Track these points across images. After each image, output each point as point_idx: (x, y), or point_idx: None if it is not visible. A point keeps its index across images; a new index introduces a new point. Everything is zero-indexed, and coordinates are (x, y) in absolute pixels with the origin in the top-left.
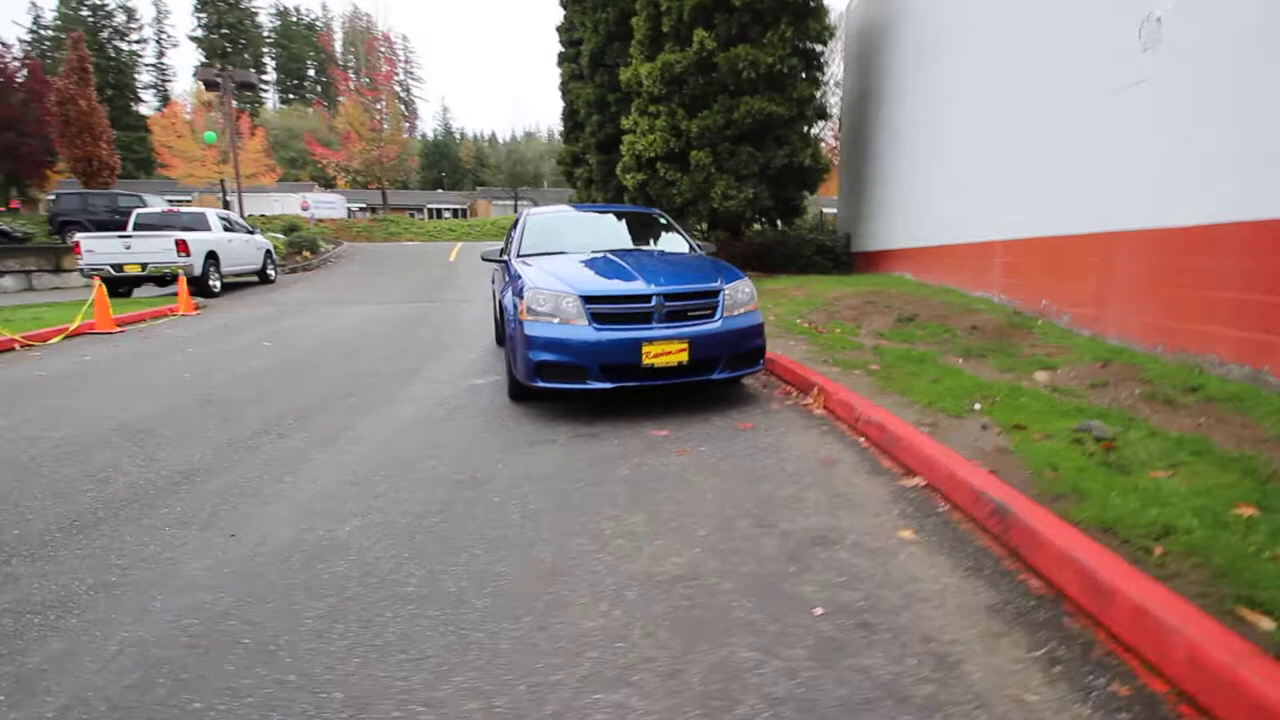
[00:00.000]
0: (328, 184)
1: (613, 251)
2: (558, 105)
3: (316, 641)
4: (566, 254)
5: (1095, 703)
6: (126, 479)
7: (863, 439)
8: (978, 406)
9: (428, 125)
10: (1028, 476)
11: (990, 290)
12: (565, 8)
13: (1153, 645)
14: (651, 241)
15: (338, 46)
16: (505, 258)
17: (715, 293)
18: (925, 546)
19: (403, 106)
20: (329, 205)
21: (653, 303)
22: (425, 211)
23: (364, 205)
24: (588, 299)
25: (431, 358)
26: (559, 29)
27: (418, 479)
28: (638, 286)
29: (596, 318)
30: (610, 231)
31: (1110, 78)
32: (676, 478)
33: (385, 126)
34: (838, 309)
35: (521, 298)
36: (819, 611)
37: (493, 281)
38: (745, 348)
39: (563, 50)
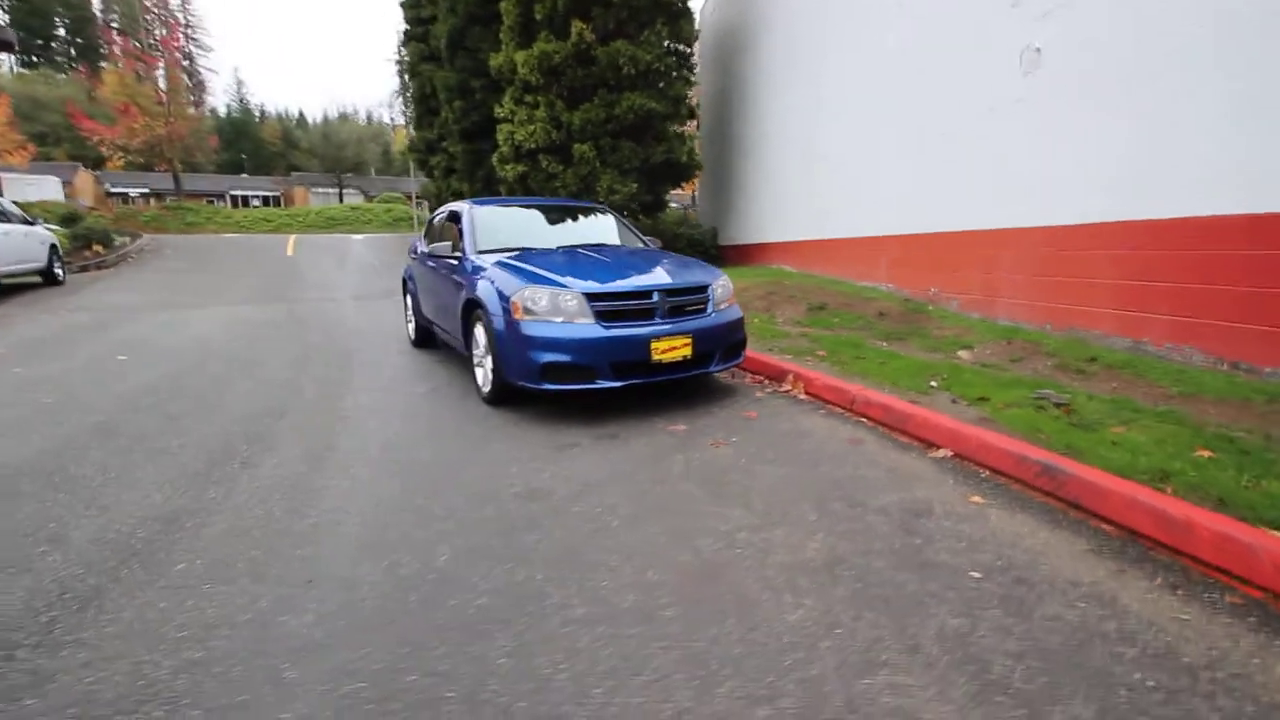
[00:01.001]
0: (97, 164)
1: (581, 247)
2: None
3: (531, 681)
4: (533, 250)
5: (1228, 612)
6: (86, 534)
7: (864, 419)
8: (934, 384)
9: (218, 100)
10: (1023, 439)
11: (877, 280)
12: None
13: (1239, 562)
14: (605, 236)
15: (95, 1)
16: (459, 254)
17: (706, 287)
18: (1000, 508)
19: (186, 77)
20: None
21: (655, 299)
22: (227, 199)
23: (146, 190)
24: (592, 296)
25: (345, 365)
26: (404, 4)
27: (470, 496)
28: (638, 282)
29: (602, 315)
30: (563, 225)
31: (991, 96)
32: (735, 469)
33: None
34: (746, 299)
35: (512, 296)
36: (977, 575)
37: (408, 280)
38: (733, 340)
39: (409, 29)
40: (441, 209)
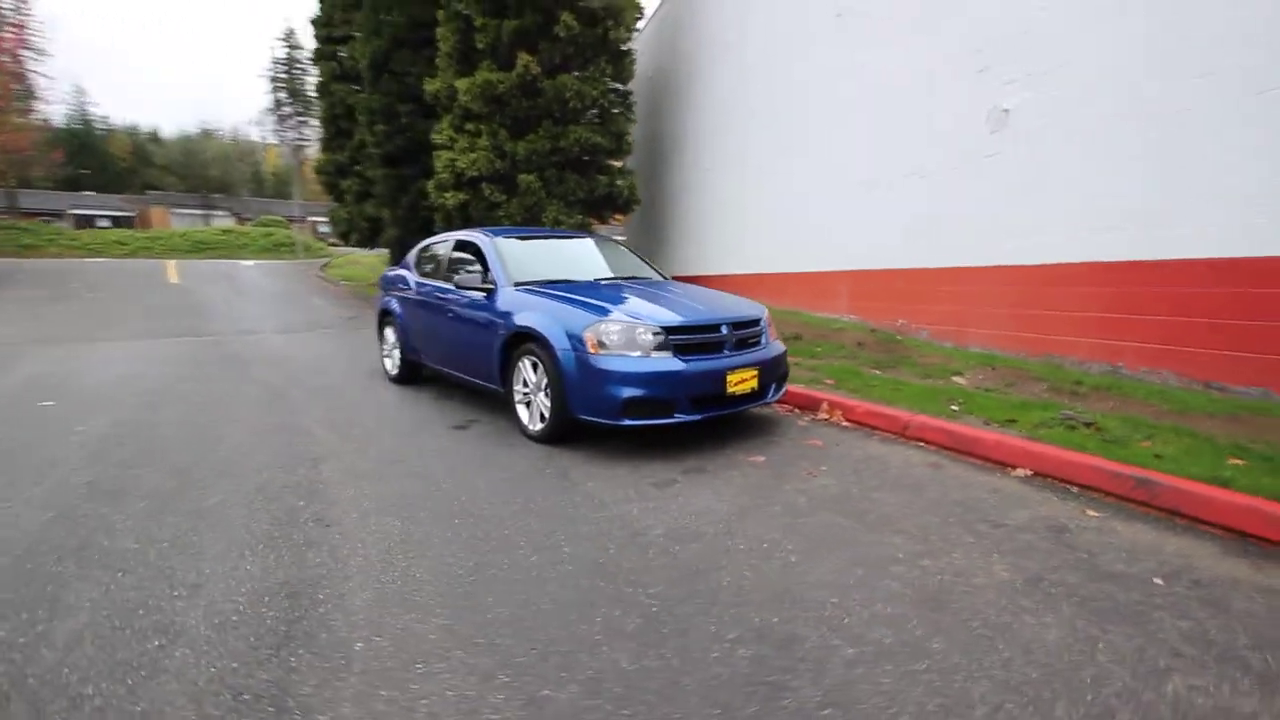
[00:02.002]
0: None
1: (620, 279)
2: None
3: None
4: (572, 282)
5: None
6: (198, 618)
7: (922, 443)
8: (955, 407)
9: (54, 110)
10: (1099, 456)
11: (838, 312)
12: (322, 1)
13: None
14: (630, 267)
15: None
16: (489, 285)
17: (760, 320)
18: (1119, 520)
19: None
20: None
21: (724, 332)
22: (69, 218)
23: None
24: (671, 330)
25: (336, 405)
26: (315, 22)
27: (619, 542)
28: (710, 316)
29: (679, 349)
30: (586, 257)
31: (963, 148)
32: (854, 497)
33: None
34: None
35: (585, 330)
36: (1160, 581)
37: (389, 313)
38: (782, 370)
39: (319, 47)
40: (437, 239)
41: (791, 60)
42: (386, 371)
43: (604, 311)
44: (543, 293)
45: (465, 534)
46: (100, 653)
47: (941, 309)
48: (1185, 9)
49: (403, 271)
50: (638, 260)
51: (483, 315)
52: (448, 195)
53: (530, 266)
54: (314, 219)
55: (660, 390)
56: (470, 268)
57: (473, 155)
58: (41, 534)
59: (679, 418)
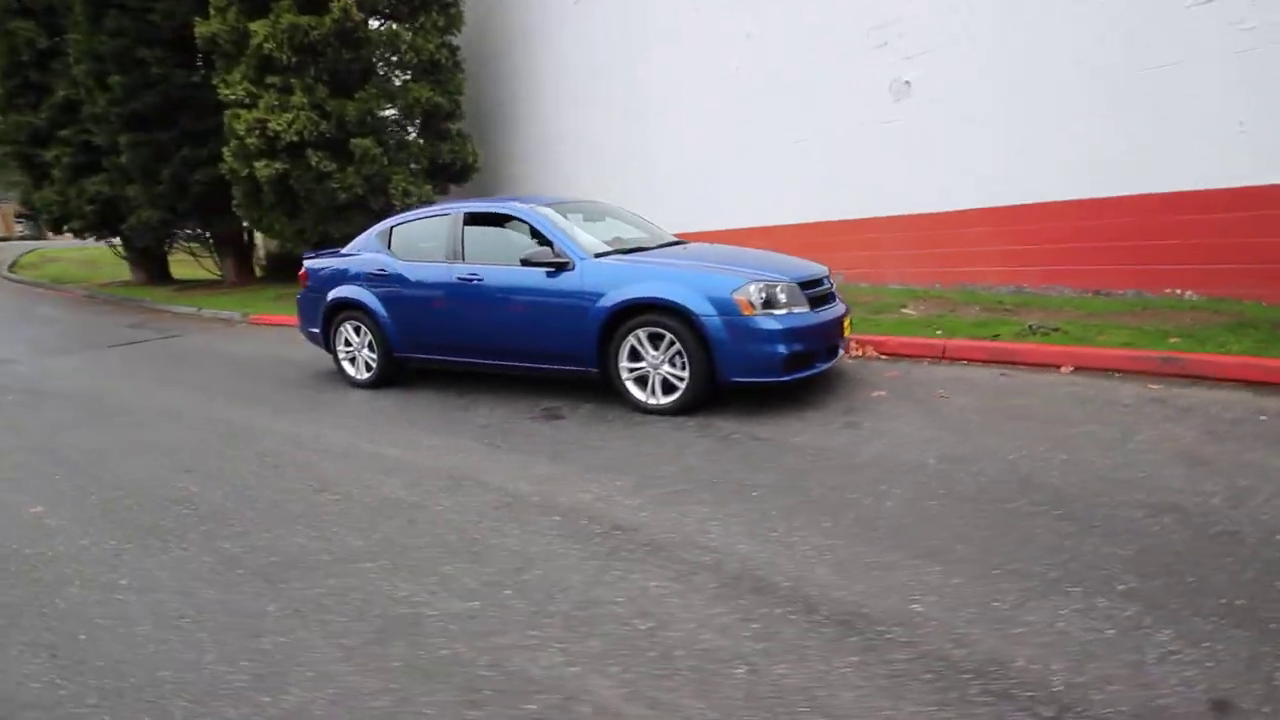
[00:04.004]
0: None
1: (668, 243)
2: None
3: None
4: (646, 249)
5: None
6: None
7: (964, 362)
8: (940, 332)
9: None
10: (1123, 348)
11: None
12: None
13: None
14: (658, 234)
15: None
16: (562, 259)
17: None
18: (1173, 388)
19: None
20: None
21: (827, 284)
22: None
23: None
24: (803, 285)
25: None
26: None
27: (911, 470)
28: (813, 271)
29: (812, 302)
30: (614, 224)
31: (866, 115)
32: (1005, 407)
33: None
34: None
35: (734, 293)
36: (1263, 417)
37: (351, 306)
38: None
39: None
40: (418, 216)
41: (679, 28)
42: (349, 376)
43: (737, 273)
44: (639, 262)
45: (829, 502)
46: None
47: (856, 255)
48: (1053, 13)
49: (371, 257)
50: (646, 221)
51: (558, 293)
52: (259, 165)
53: (592, 233)
54: None
55: (810, 342)
56: (509, 242)
57: (288, 116)
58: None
59: (819, 366)
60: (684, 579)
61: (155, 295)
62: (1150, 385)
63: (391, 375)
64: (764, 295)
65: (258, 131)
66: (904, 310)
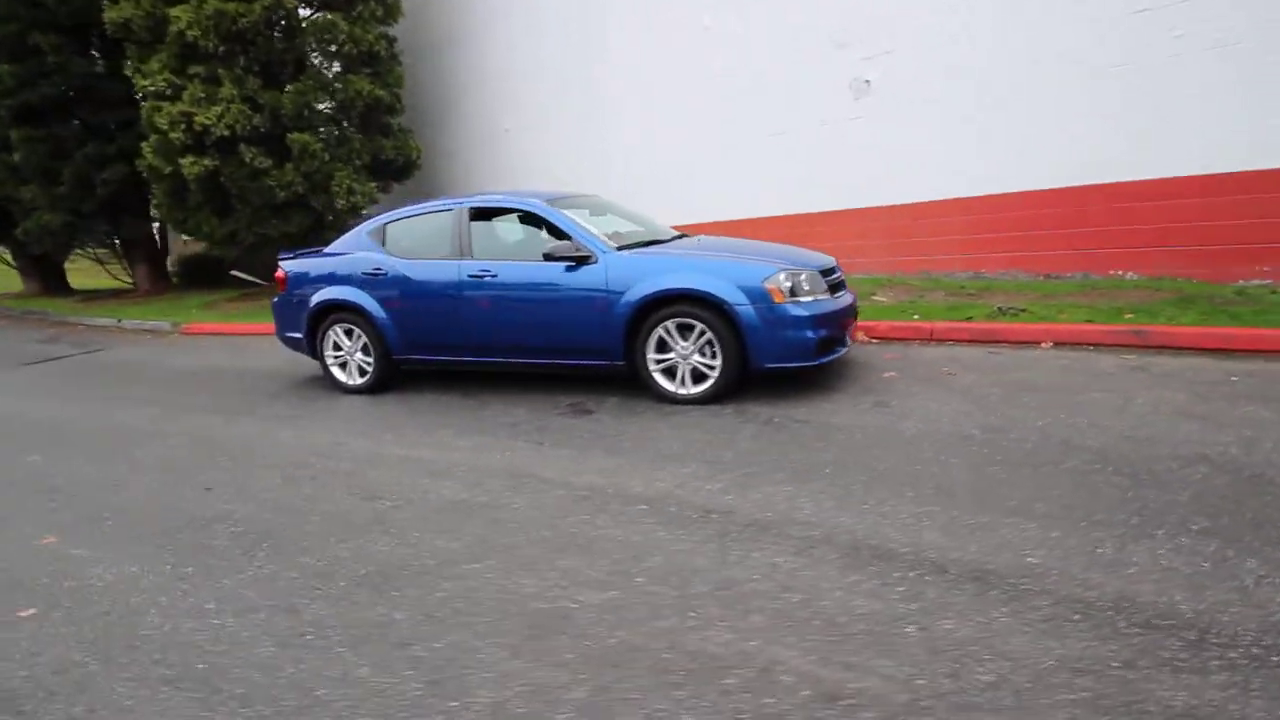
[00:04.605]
0: None
1: (672, 237)
2: None
3: None
4: (661, 241)
5: None
6: None
7: (950, 342)
8: (916, 316)
9: None
10: (1092, 324)
11: None
12: None
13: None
14: (659, 228)
15: None
16: (584, 253)
17: None
18: (1150, 357)
19: None
20: None
21: (838, 273)
22: None
23: None
24: (823, 272)
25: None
26: None
27: (990, 438)
28: (825, 260)
29: (830, 289)
30: (625, 217)
31: (827, 113)
32: (1012, 380)
33: None
34: None
35: (765, 282)
36: (1234, 378)
37: (342, 308)
38: None
39: None
40: (414, 213)
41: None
42: (338, 382)
43: (766, 262)
44: (662, 254)
45: (900, 474)
46: None
47: (822, 246)
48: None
49: (364, 256)
50: (644, 215)
51: (581, 287)
52: (185, 161)
53: (604, 228)
54: None
55: (833, 328)
56: (519, 238)
57: (216, 109)
58: None
59: (839, 351)
60: (804, 553)
61: (58, 307)
62: (1124, 356)
63: (387, 379)
64: (791, 283)
65: (183, 125)
66: (875, 297)
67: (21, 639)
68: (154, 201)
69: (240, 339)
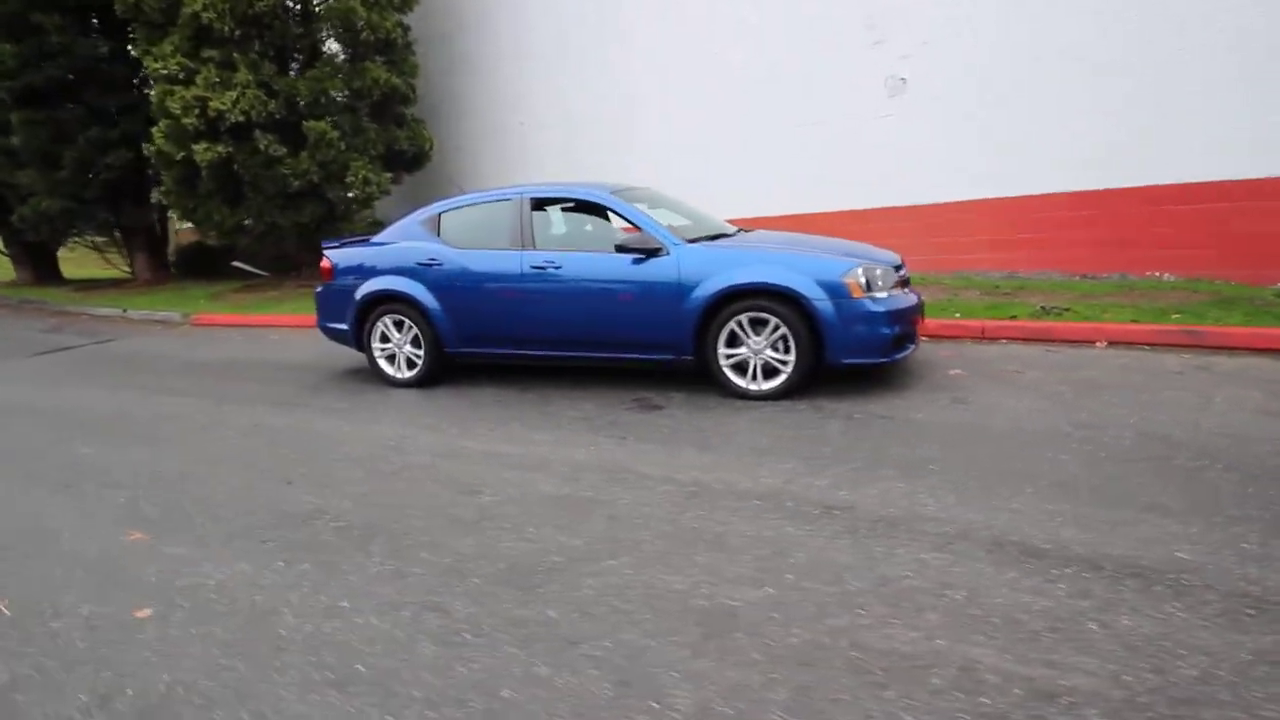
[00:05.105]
0: None
1: (732, 231)
2: None
3: None
4: (726, 235)
5: None
6: None
7: (1002, 340)
8: (958, 315)
9: None
10: (1149, 324)
11: None
12: None
13: None
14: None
15: None
16: (655, 246)
17: None
18: (1204, 357)
19: None
20: None
21: (904, 270)
22: None
23: None
24: (895, 268)
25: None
26: None
27: (1081, 432)
28: (891, 255)
29: (901, 285)
30: (678, 210)
31: (867, 111)
32: (1081, 379)
33: None
34: None
35: (843, 277)
36: None
37: (393, 299)
38: None
39: None
40: (471, 201)
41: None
42: (385, 375)
43: (841, 257)
44: (733, 248)
45: (1011, 470)
46: None
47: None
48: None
49: (419, 245)
50: (697, 209)
51: (651, 279)
52: (199, 147)
53: (667, 222)
54: None
55: (905, 325)
56: (579, 228)
57: (231, 94)
58: None
59: (909, 348)
60: (946, 550)
61: (56, 296)
62: (1183, 355)
63: (437, 373)
64: (867, 279)
65: (197, 110)
66: None
67: (149, 640)
68: (162, 188)
69: (256, 330)
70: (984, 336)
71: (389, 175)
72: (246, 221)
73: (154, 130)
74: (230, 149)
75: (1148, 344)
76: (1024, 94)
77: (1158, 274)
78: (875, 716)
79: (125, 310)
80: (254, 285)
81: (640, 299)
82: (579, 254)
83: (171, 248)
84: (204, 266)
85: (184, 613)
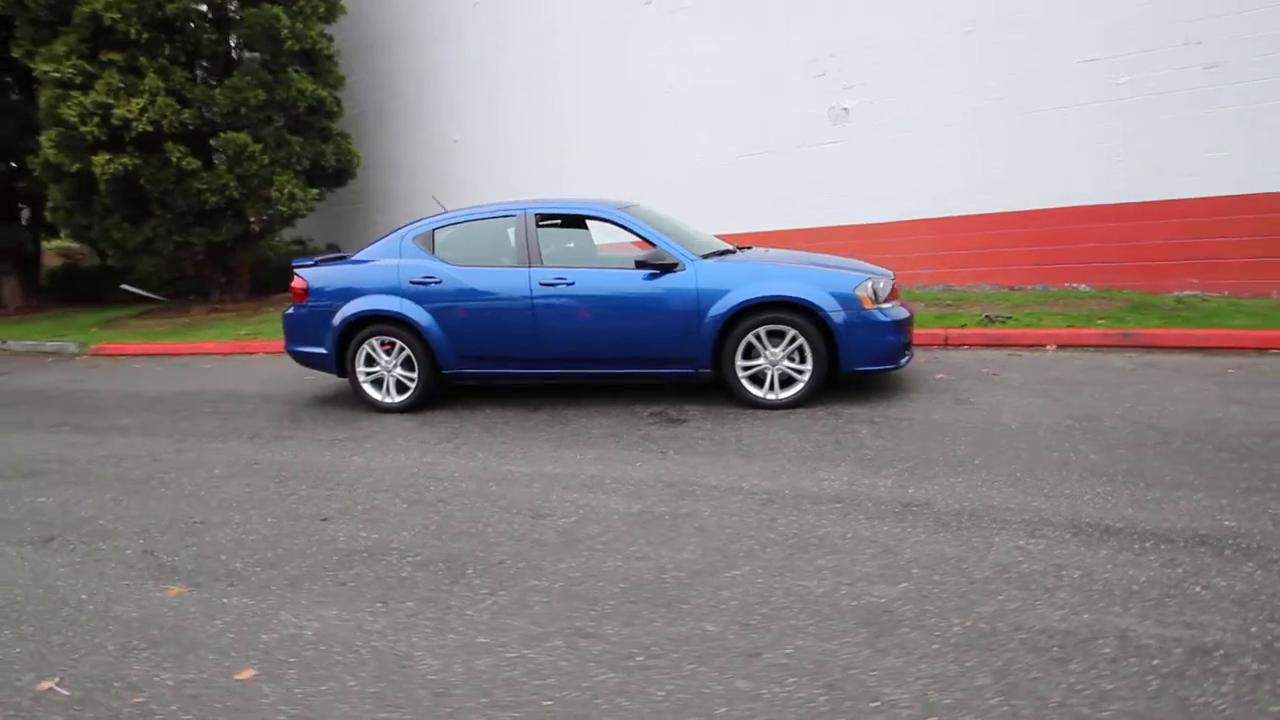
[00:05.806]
0: None
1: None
2: None
3: None
4: (729, 251)
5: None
6: None
7: (965, 346)
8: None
9: None
10: (1086, 328)
11: None
12: None
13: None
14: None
15: None
16: (670, 262)
17: None
18: (1145, 356)
19: None
20: None
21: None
22: None
23: None
24: (892, 280)
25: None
26: None
27: (1095, 426)
28: (887, 270)
29: (896, 296)
30: (677, 230)
31: (809, 138)
32: (1056, 377)
33: None
34: None
35: (855, 289)
36: (1231, 371)
37: (387, 319)
38: None
39: None
40: (467, 218)
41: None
42: (372, 400)
43: (851, 271)
44: (747, 263)
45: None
46: None
47: None
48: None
49: (410, 264)
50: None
51: (667, 294)
52: (99, 159)
53: (674, 237)
54: None
55: (908, 333)
56: (582, 244)
57: (137, 101)
58: None
59: (910, 355)
60: (1037, 535)
61: None
62: (1126, 355)
63: (429, 397)
64: (875, 290)
65: (97, 119)
66: None
67: (275, 703)
68: (48, 205)
69: (177, 360)
70: (948, 344)
71: (315, 191)
72: (153, 241)
73: (42, 139)
74: (137, 161)
75: (1092, 345)
76: (954, 126)
77: (1075, 285)
78: (1079, 687)
79: (5, 341)
80: (154, 310)
81: (658, 314)
82: (591, 270)
83: (42, 272)
84: (80, 291)
85: (296, 669)
